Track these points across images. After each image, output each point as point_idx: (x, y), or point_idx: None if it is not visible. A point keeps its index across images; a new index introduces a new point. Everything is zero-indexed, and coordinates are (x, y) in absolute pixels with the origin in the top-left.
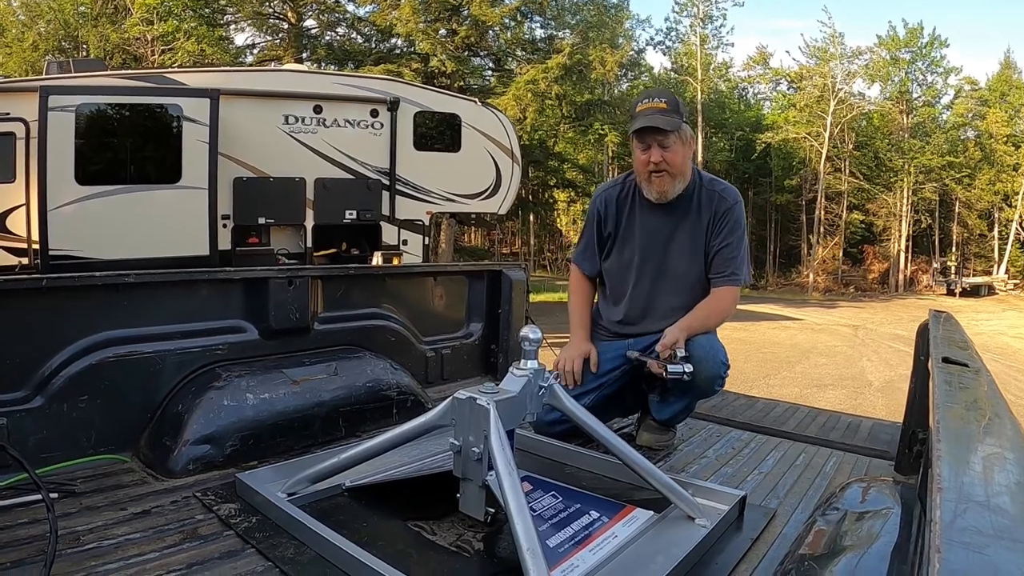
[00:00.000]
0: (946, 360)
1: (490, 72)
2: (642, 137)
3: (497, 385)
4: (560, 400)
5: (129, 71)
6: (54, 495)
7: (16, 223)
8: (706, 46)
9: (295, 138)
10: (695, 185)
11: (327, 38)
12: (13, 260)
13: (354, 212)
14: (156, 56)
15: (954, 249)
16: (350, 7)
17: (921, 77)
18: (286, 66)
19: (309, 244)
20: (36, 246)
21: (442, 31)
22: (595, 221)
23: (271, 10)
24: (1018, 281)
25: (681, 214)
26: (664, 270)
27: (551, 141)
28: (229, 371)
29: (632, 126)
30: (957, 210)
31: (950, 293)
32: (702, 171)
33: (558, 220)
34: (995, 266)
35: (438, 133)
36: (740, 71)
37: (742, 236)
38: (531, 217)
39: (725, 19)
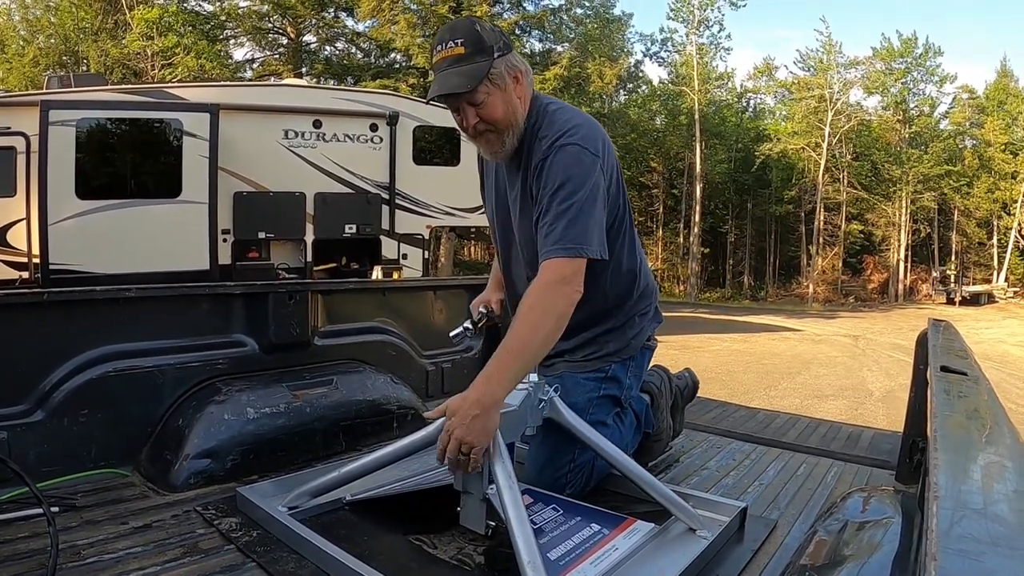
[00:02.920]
0: (945, 369)
1: None
2: (445, 101)
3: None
4: (560, 413)
5: (129, 86)
6: (55, 509)
7: (17, 237)
8: (704, 55)
9: (295, 153)
10: (529, 130)
11: (326, 53)
12: (14, 274)
13: (354, 226)
14: (156, 71)
15: (953, 258)
16: (349, 22)
17: (916, 87)
18: (286, 81)
19: (309, 258)
20: (36, 260)
21: None
22: (480, 178)
23: (270, 25)
24: (1018, 289)
25: (515, 169)
26: (511, 240)
27: None
28: (230, 385)
29: (431, 90)
30: (956, 219)
31: (950, 302)
32: (549, 106)
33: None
34: (995, 274)
35: (437, 147)
36: (745, 81)
37: (563, 193)
38: None
39: (722, 25)
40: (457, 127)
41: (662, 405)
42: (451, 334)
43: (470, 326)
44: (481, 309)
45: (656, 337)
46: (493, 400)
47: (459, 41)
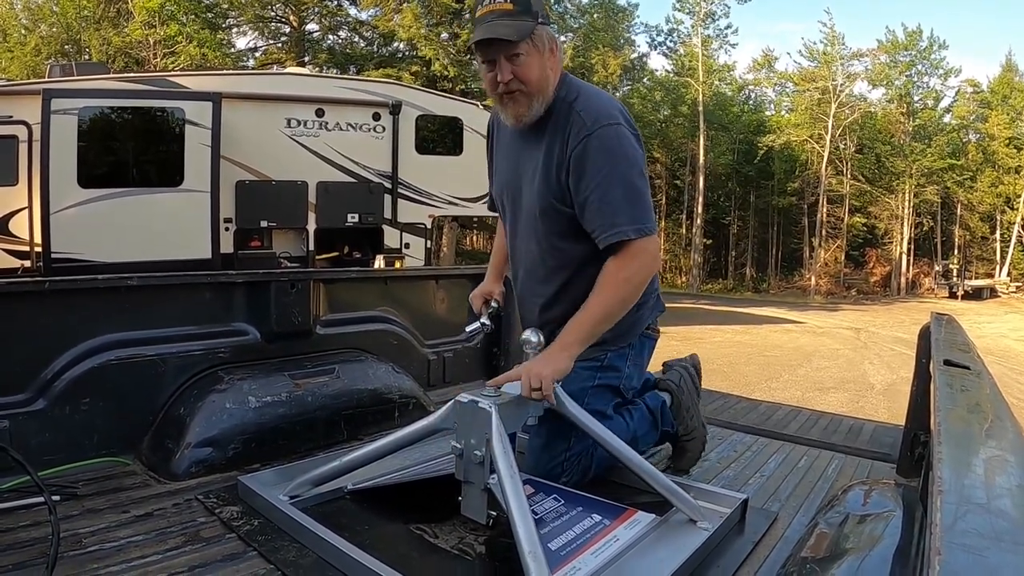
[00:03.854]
0: (948, 363)
1: None
2: (485, 51)
3: (499, 388)
4: (562, 403)
5: (131, 74)
6: (56, 497)
7: (19, 226)
8: (709, 47)
9: (297, 141)
10: (559, 102)
11: (329, 42)
12: (16, 263)
13: (356, 215)
14: (158, 60)
15: (956, 252)
16: (352, 11)
17: (920, 80)
18: (288, 69)
19: (311, 247)
20: (39, 249)
21: (443, 35)
22: (489, 143)
23: (273, 13)
24: (1020, 284)
25: (536, 138)
26: (520, 211)
27: None
28: (231, 374)
29: (472, 36)
30: (959, 212)
31: (952, 296)
32: (578, 83)
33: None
34: (997, 268)
35: (440, 136)
36: (746, 73)
37: (621, 172)
38: None
39: (728, 17)
40: (487, 85)
41: (686, 404)
42: (467, 329)
43: (486, 321)
44: (493, 303)
45: (658, 328)
46: (572, 352)
47: None
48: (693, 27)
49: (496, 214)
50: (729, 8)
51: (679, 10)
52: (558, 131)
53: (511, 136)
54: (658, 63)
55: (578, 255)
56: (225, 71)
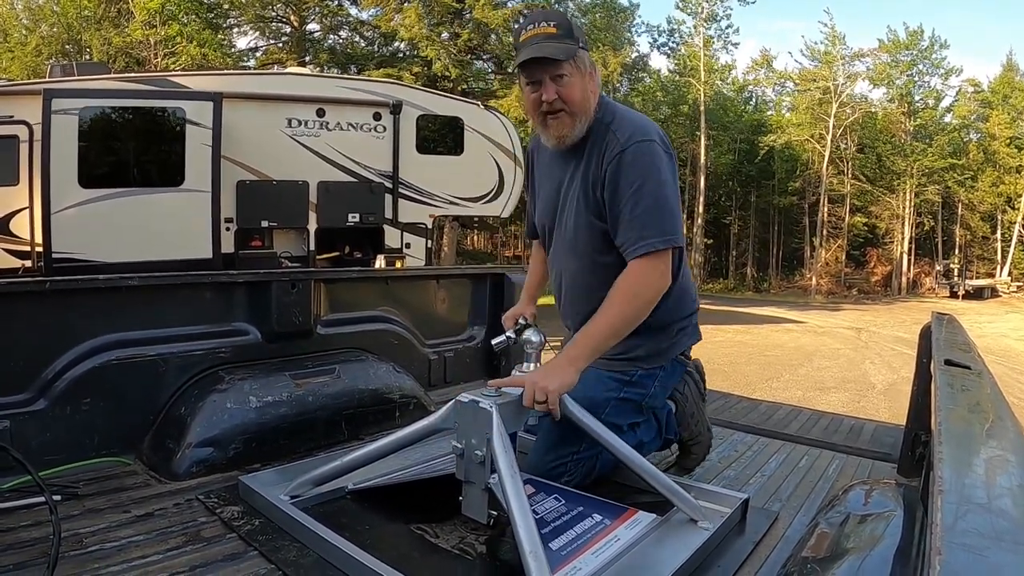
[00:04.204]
0: (948, 362)
1: (492, 75)
2: (530, 72)
3: (500, 388)
4: (569, 410)
5: (132, 74)
6: (57, 497)
7: (19, 226)
8: (710, 48)
9: (298, 141)
10: (597, 123)
11: (330, 41)
12: (16, 263)
13: (357, 215)
14: (159, 60)
15: (957, 251)
16: (353, 11)
17: (921, 79)
18: (289, 69)
19: (312, 247)
20: (39, 249)
21: (444, 34)
22: (528, 170)
23: (274, 13)
24: (1021, 283)
25: (576, 159)
26: (561, 230)
27: None
28: (232, 374)
29: (516, 58)
30: (960, 212)
31: (953, 295)
32: (615, 105)
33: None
34: (998, 268)
35: (441, 136)
36: (744, 73)
37: (653, 187)
38: None
39: (730, 19)
40: (528, 106)
41: (691, 411)
42: (493, 342)
43: (512, 335)
44: (522, 320)
45: (690, 356)
46: (576, 362)
47: (552, 23)
48: (695, 27)
49: (534, 239)
50: (731, 10)
51: (681, 10)
52: (595, 150)
53: (551, 159)
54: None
55: (618, 272)
56: (226, 71)
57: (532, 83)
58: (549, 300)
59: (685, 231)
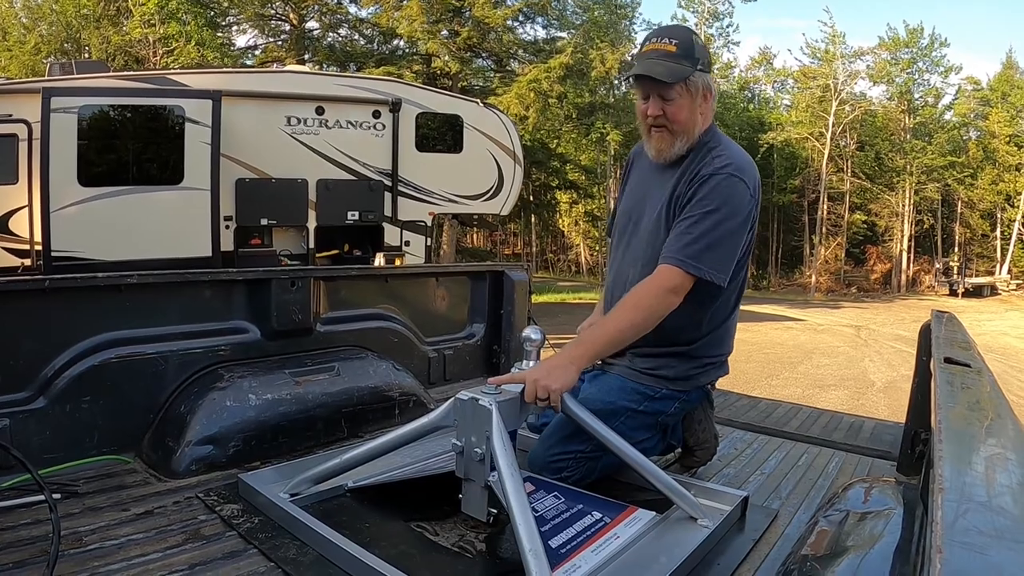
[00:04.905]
0: (948, 360)
1: (492, 73)
2: (641, 85)
3: (499, 386)
4: (571, 410)
5: (131, 73)
6: (57, 496)
7: (19, 224)
8: (712, 46)
9: (297, 139)
10: (700, 146)
11: (329, 39)
12: (16, 261)
13: (356, 213)
14: (158, 58)
15: (956, 249)
16: (352, 8)
17: (921, 77)
18: (288, 68)
19: (311, 245)
20: (39, 247)
21: (444, 32)
22: (626, 171)
23: (273, 11)
24: (1021, 281)
25: (671, 173)
26: (635, 235)
27: (553, 142)
28: (232, 372)
29: (632, 69)
30: (959, 210)
31: (953, 293)
32: (723, 137)
33: (560, 222)
34: (998, 266)
35: (440, 134)
36: (746, 70)
37: (716, 217)
38: (533, 218)
39: (732, 17)
40: (639, 115)
41: (698, 417)
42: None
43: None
44: None
45: (715, 387)
46: (580, 364)
47: (673, 41)
48: (697, 26)
49: (609, 239)
50: (733, 8)
51: (684, 8)
52: (690, 168)
53: (649, 168)
54: None
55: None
56: (225, 69)
57: (643, 95)
58: (549, 298)
59: None
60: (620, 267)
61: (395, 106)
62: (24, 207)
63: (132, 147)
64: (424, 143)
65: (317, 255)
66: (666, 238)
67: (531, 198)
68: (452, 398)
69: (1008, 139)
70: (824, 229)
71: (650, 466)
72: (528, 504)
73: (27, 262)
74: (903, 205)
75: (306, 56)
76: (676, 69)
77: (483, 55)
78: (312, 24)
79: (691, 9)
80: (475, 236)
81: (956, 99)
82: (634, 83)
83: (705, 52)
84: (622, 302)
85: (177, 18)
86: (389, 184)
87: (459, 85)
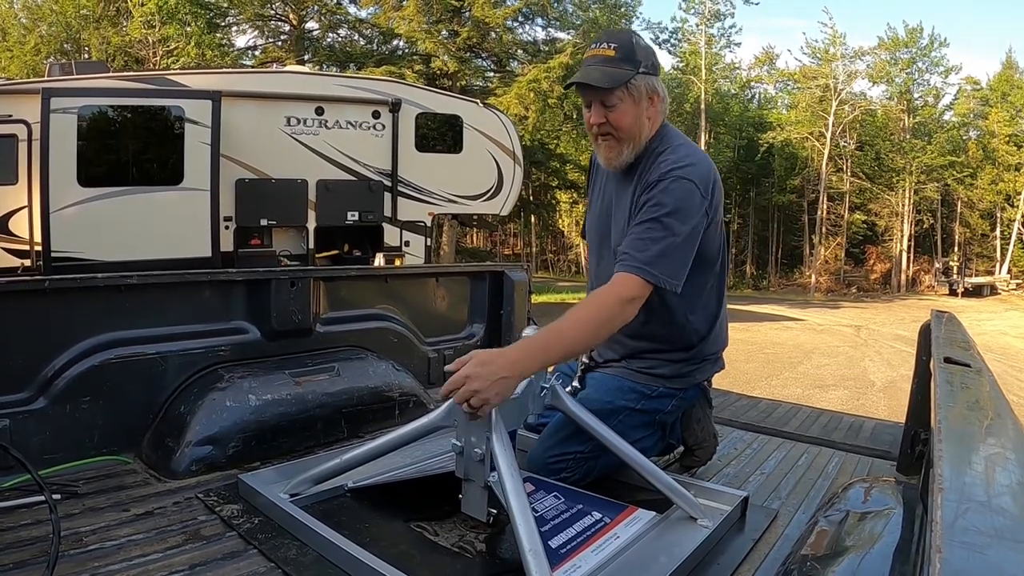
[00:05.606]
0: (948, 360)
1: (492, 73)
2: (583, 93)
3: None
4: (562, 401)
5: (131, 73)
6: (57, 496)
7: (18, 225)
8: (713, 47)
9: (297, 140)
10: (650, 152)
11: (328, 40)
12: (15, 262)
13: (356, 213)
14: (158, 59)
15: (956, 249)
16: (351, 9)
17: (921, 77)
18: (288, 68)
19: (311, 245)
20: (38, 248)
21: (443, 32)
22: (589, 176)
23: (272, 12)
24: (1020, 281)
25: (627, 182)
26: (606, 250)
27: (553, 142)
28: (231, 372)
29: (573, 78)
30: (959, 210)
31: (952, 293)
32: (675, 136)
33: (560, 222)
34: (997, 266)
35: (440, 134)
36: (748, 70)
37: (666, 222)
38: (532, 219)
39: (733, 18)
40: (586, 125)
41: (697, 416)
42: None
43: (585, 359)
44: None
45: (711, 383)
46: (524, 371)
47: (613, 45)
48: (698, 26)
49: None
50: (735, 9)
51: (684, 9)
52: (643, 177)
53: (608, 174)
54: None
55: (662, 295)
56: (225, 70)
57: (586, 103)
58: (549, 298)
59: None
60: (599, 280)
61: (395, 106)
62: (24, 207)
63: (132, 147)
64: (424, 143)
65: (317, 255)
66: None
67: (531, 198)
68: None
69: (1008, 139)
70: (824, 229)
71: (650, 466)
72: (528, 504)
73: (27, 263)
74: (903, 205)
75: (306, 56)
76: (615, 74)
77: (483, 55)
78: (312, 24)
79: (692, 10)
80: (475, 236)
81: (956, 99)
82: (577, 90)
83: (650, 54)
84: (577, 310)
85: (177, 19)
86: (389, 184)
87: (459, 85)
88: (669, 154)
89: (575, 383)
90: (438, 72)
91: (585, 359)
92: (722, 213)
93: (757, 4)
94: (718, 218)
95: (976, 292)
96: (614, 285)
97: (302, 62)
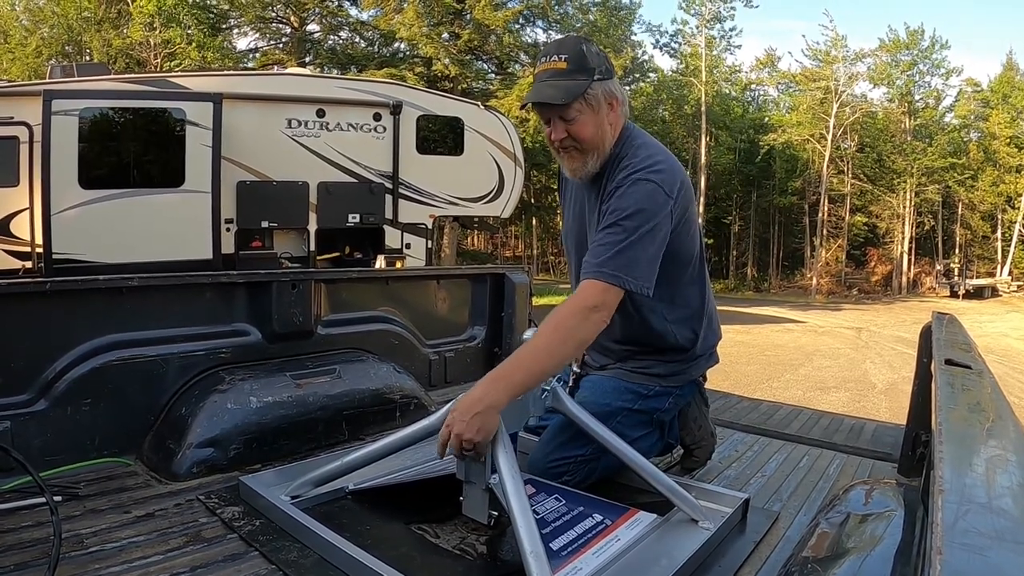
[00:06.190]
0: (949, 362)
1: (493, 75)
2: (539, 110)
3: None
4: (563, 403)
5: (132, 75)
6: (58, 498)
7: (20, 227)
8: (713, 50)
9: (298, 142)
10: (613, 158)
11: (330, 42)
12: (17, 264)
13: (357, 216)
14: (159, 61)
15: (957, 251)
16: (353, 11)
17: (922, 79)
18: (289, 70)
19: (312, 248)
20: (40, 250)
21: (444, 35)
22: (559, 188)
23: (274, 15)
24: (1021, 283)
25: (595, 191)
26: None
27: None
28: (232, 374)
29: (527, 96)
30: (960, 212)
31: (953, 295)
32: (636, 138)
33: (561, 224)
34: (998, 268)
35: (441, 136)
36: (749, 72)
37: (629, 225)
38: (534, 221)
39: (733, 20)
40: (547, 140)
41: (693, 415)
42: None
43: (576, 369)
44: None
45: (706, 378)
46: (494, 402)
47: (563, 57)
48: (698, 28)
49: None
50: (735, 11)
51: (684, 11)
52: (608, 185)
53: (576, 186)
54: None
55: (636, 301)
56: (226, 72)
57: (544, 120)
58: (550, 300)
59: None
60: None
61: (396, 109)
62: (25, 209)
63: (133, 149)
64: (425, 145)
65: (318, 257)
66: None
67: (532, 200)
68: (453, 401)
69: (1008, 140)
70: (825, 231)
71: (650, 468)
72: (529, 506)
73: (28, 264)
74: (904, 207)
75: (307, 59)
76: (569, 87)
77: (483, 58)
78: (313, 27)
79: (692, 12)
80: (476, 238)
81: (957, 101)
82: (533, 107)
83: (602, 59)
84: (541, 327)
85: (178, 20)
86: (390, 187)
87: (460, 87)
88: (631, 158)
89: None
90: (439, 74)
91: (576, 368)
92: (695, 211)
93: (757, 7)
94: (690, 216)
95: (977, 294)
96: (576, 295)
97: (303, 64)
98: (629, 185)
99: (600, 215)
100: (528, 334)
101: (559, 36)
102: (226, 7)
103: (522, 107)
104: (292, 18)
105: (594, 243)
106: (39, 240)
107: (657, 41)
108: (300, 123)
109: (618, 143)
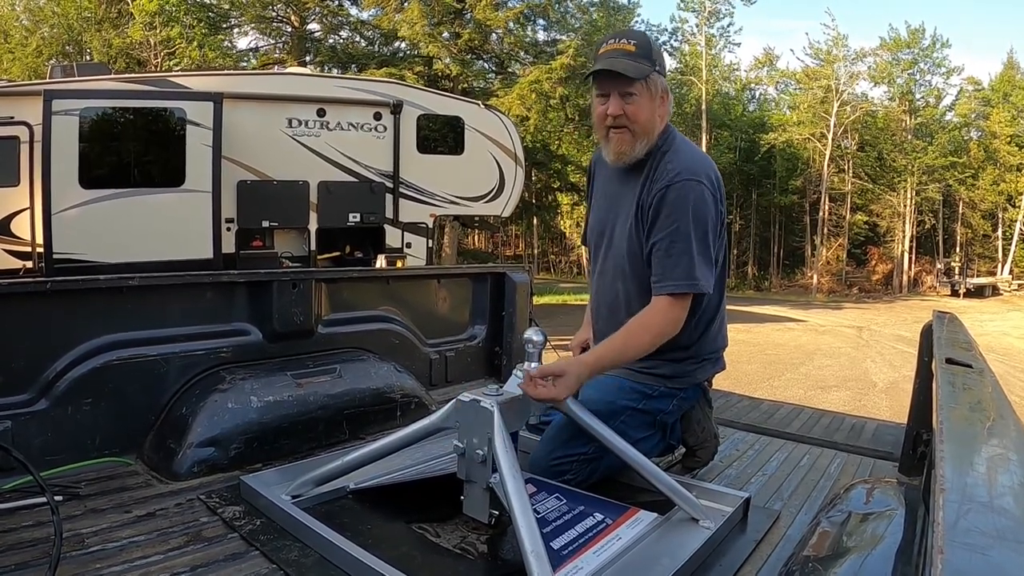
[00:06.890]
0: (950, 361)
1: (493, 75)
2: (601, 84)
3: (501, 387)
4: (571, 410)
5: (133, 75)
6: (58, 498)
7: (20, 226)
8: (712, 48)
9: (299, 141)
10: (656, 150)
11: (330, 41)
12: (17, 263)
13: (358, 215)
14: (159, 60)
15: (958, 250)
16: (353, 11)
17: (922, 78)
18: (289, 69)
19: (313, 247)
20: (40, 249)
21: (445, 34)
22: (589, 179)
23: (274, 14)
24: (1022, 281)
25: (632, 181)
26: (611, 248)
27: (555, 143)
28: (233, 374)
29: (591, 68)
30: (961, 210)
31: (954, 294)
32: (677, 137)
33: (561, 223)
34: (999, 266)
35: (441, 136)
36: (746, 71)
37: (685, 230)
38: (534, 220)
39: (732, 17)
40: (595, 118)
41: (697, 416)
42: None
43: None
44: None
45: (711, 383)
46: (591, 371)
47: (632, 41)
48: (698, 26)
49: (585, 246)
50: (734, 9)
51: (683, 8)
52: (648, 177)
53: (610, 176)
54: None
55: (639, 281)
56: (226, 71)
57: (601, 95)
58: (550, 300)
59: None
60: (601, 281)
61: (396, 108)
62: (25, 209)
63: (133, 149)
64: (425, 145)
65: (318, 257)
66: (639, 246)
67: (533, 200)
68: (454, 400)
69: (1009, 139)
70: (825, 230)
71: (651, 467)
72: (530, 506)
73: (29, 264)
74: (904, 205)
75: (307, 58)
76: (638, 66)
77: (484, 57)
78: (313, 26)
79: (691, 9)
80: (476, 238)
81: (957, 99)
82: (594, 82)
83: (662, 56)
84: (631, 324)
85: (178, 20)
86: (390, 186)
87: (460, 87)
88: (674, 155)
89: None
90: (439, 74)
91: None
92: (725, 212)
93: (754, 3)
94: (722, 217)
95: (978, 293)
96: (660, 313)
97: (304, 64)
98: (680, 186)
99: (640, 208)
100: (530, 333)
101: (559, 36)
102: (227, 7)
103: (587, 76)
104: (292, 17)
105: (659, 255)
106: (39, 240)
107: (656, 40)
108: (300, 122)
109: (662, 136)
